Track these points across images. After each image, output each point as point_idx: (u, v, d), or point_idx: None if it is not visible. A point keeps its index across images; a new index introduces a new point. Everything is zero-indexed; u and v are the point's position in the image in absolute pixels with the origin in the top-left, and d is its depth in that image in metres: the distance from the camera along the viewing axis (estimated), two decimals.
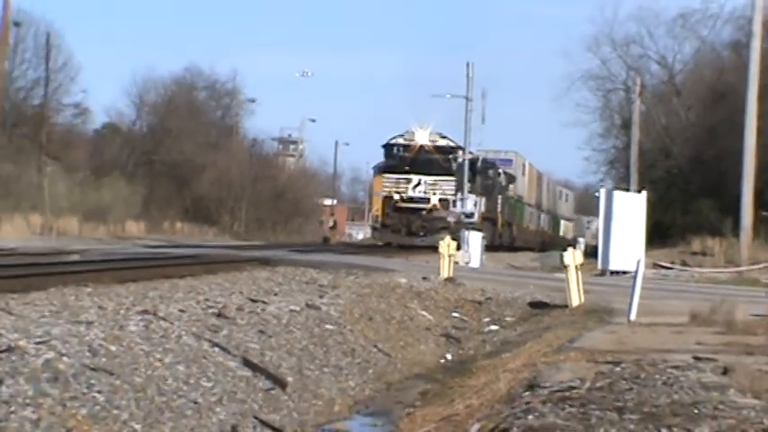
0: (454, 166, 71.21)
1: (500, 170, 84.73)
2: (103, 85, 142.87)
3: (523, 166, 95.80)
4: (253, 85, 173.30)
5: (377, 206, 71.94)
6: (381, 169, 73.10)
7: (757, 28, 56.40)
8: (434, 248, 58.34)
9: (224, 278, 33.57)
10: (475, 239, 56.69)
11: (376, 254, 53.86)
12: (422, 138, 70.55)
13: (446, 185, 69.80)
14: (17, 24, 72.99)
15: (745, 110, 56.05)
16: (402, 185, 69.52)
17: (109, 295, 24.45)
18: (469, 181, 72.35)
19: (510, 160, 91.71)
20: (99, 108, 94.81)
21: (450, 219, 69.84)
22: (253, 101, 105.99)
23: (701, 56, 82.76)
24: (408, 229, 68.13)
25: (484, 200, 77.27)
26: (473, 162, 74.33)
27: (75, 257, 38.44)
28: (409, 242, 66.41)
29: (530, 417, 15.74)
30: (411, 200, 69.10)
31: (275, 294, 29.63)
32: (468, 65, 77.69)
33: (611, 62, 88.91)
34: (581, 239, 70.58)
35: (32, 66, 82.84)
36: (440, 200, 68.93)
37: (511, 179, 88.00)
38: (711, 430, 14.14)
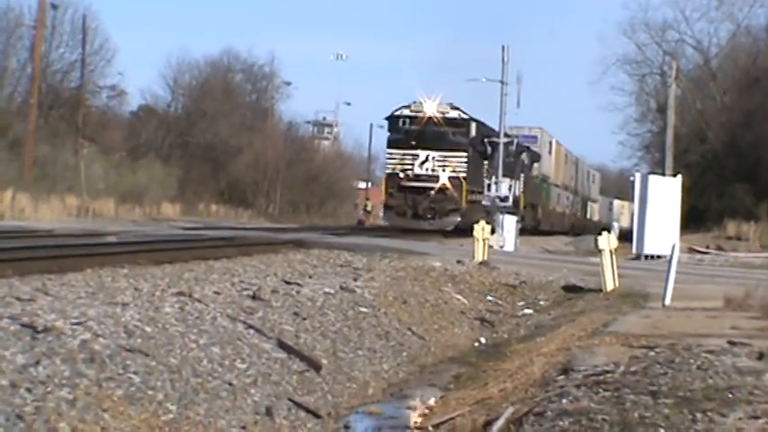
0: (467, 141, 65.00)
1: (522, 147, 79.44)
2: (140, 68, 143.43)
3: (550, 144, 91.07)
4: (289, 69, 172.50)
5: (383, 187, 66.09)
6: (388, 145, 66.84)
7: None
8: (444, 232, 58.15)
9: (259, 260, 33.57)
10: (509, 223, 55.73)
11: (410, 237, 52.67)
12: (430, 109, 63.63)
13: (457, 162, 63.34)
14: (54, 7, 73.17)
15: None
16: (408, 162, 63.23)
17: (144, 277, 24.50)
18: (483, 158, 68.52)
19: (534, 137, 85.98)
20: (135, 90, 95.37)
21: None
22: (289, 84, 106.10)
23: (736, 40, 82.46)
24: (414, 212, 62.01)
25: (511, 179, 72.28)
26: (487, 135, 69.36)
27: (112, 239, 38.50)
28: (416, 225, 60.81)
29: (564, 400, 15.73)
30: (418, 178, 62.66)
31: (310, 277, 29.65)
32: (503, 48, 76.60)
33: (647, 47, 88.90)
34: (615, 224, 68.59)
35: (69, 48, 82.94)
36: (450, 178, 62.40)
37: (535, 157, 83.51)
38: (746, 415, 14.11)
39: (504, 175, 69.38)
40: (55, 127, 75.66)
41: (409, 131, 63.30)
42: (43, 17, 70.93)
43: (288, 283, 27.03)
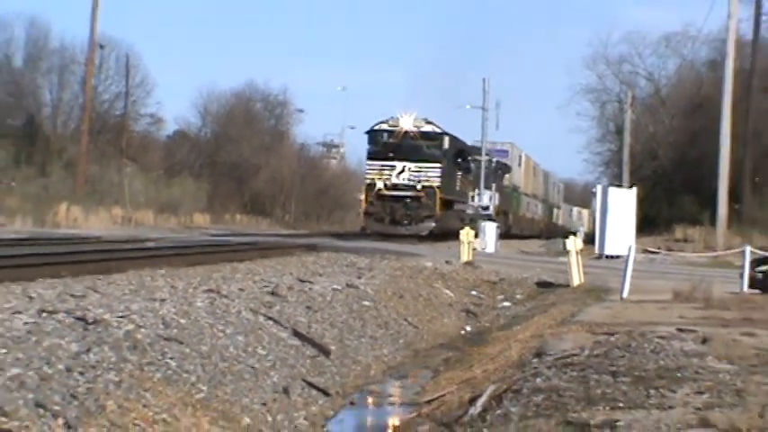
0: (441, 153, 61.22)
1: (493, 160, 77.10)
2: (175, 98, 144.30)
3: (519, 157, 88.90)
4: (301, 98, 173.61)
5: (362, 196, 62.42)
6: (367, 157, 63.56)
7: (731, 48, 56.20)
8: (419, 237, 56.17)
9: (276, 262, 33.58)
10: (490, 228, 55.04)
11: (406, 242, 52.46)
12: (406, 123, 60.83)
13: (431, 172, 59.94)
14: (102, 47, 73.17)
15: (721, 118, 55.98)
16: (386, 172, 60.00)
17: (179, 276, 24.52)
18: (456, 168, 65.95)
19: (506, 151, 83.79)
20: (170, 117, 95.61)
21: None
22: (301, 111, 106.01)
23: (682, 72, 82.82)
24: (392, 218, 59.02)
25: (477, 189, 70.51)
26: (461, 149, 67.16)
27: (151, 244, 38.54)
28: (393, 231, 57.68)
29: (537, 380, 15.74)
30: (395, 187, 59.64)
31: (320, 275, 29.66)
32: (484, 80, 76.92)
33: (606, 78, 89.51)
34: (581, 228, 68.21)
35: (114, 82, 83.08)
36: (424, 187, 59.20)
37: (506, 169, 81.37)
38: (692, 390, 14.11)
39: (472, 183, 68.61)
40: (102, 149, 75.78)
41: (387, 144, 61.08)
42: (93, 56, 70.93)
43: (301, 281, 27.07)
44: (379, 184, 59.26)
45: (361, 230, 58.66)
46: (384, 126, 61.70)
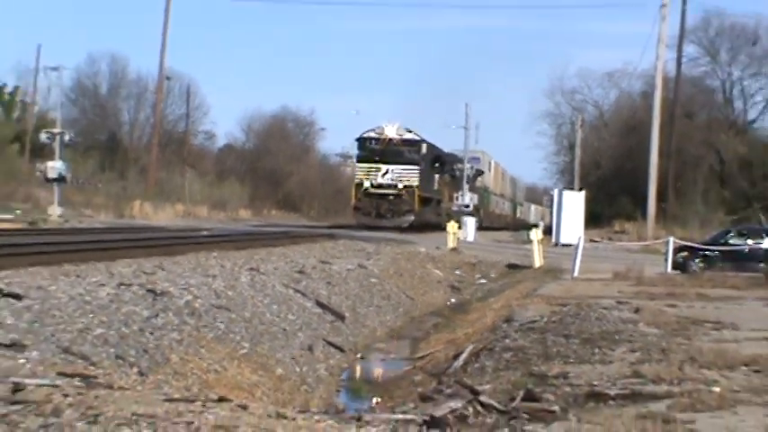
0: (419, 157, 58.35)
1: (472, 167, 73.89)
2: (225, 118, 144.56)
3: (489, 163, 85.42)
4: (324, 118, 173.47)
5: (353, 193, 59.85)
6: (357, 159, 61.17)
7: (658, 83, 56.26)
8: (400, 229, 53.74)
9: (303, 247, 33.56)
10: (470, 222, 54.55)
11: (405, 232, 52.16)
12: (390, 132, 58.14)
13: (411, 174, 56.99)
14: (168, 78, 73.19)
15: (650, 137, 56.06)
16: (372, 174, 57.25)
17: (227, 257, 24.52)
18: (436, 172, 63.37)
19: (478, 158, 79.61)
20: (221, 133, 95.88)
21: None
22: (323, 129, 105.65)
23: (620, 101, 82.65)
24: (377, 212, 56.32)
25: (456, 189, 67.63)
26: (438, 155, 64.19)
27: (205, 233, 38.51)
28: (378, 223, 54.88)
29: (506, 340, 15.74)
30: (380, 186, 56.79)
31: (337, 258, 29.65)
32: (466, 105, 76.67)
33: (561, 105, 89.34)
34: (541, 222, 67.72)
35: (178, 105, 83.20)
36: (405, 186, 56.52)
37: (478, 173, 77.60)
38: (627, 349, 14.12)
39: (447, 184, 66.53)
40: (168, 158, 75.86)
41: (373, 150, 58.17)
42: (161, 86, 70.99)
43: (323, 262, 27.07)
44: (367, 184, 57.10)
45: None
46: (371, 134, 59.20)
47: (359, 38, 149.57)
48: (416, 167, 57.24)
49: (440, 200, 63.73)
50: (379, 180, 56.62)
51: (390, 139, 57.71)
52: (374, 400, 14.03)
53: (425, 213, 58.23)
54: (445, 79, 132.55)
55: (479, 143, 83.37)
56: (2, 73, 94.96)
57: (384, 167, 56.63)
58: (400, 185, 56.37)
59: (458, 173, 68.34)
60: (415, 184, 56.77)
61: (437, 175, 63.26)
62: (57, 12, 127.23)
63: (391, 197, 56.36)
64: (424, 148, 59.04)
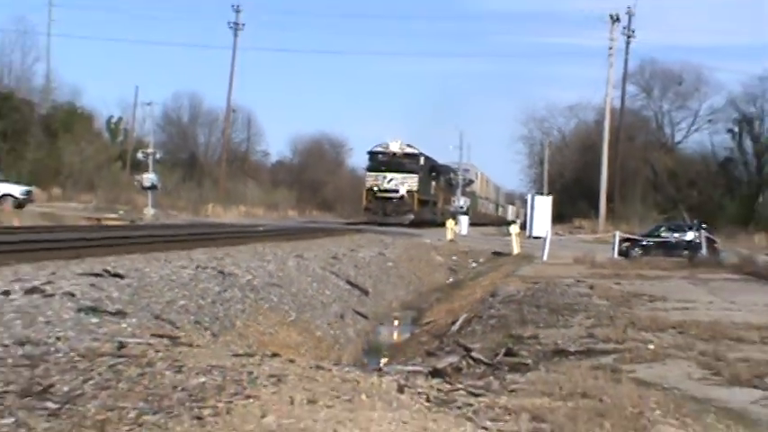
0: (417, 167, 56.56)
1: (459, 174, 70.90)
2: (276, 140, 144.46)
3: (477, 173, 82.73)
4: (353, 139, 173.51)
5: (363, 196, 57.69)
6: (367, 169, 58.29)
7: (607, 114, 56.39)
8: (403, 225, 51.85)
9: (336, 239, 33.56)
10: (464, 220, 53.55)
11: (415, 228, 51.99)
12: (394, 147, 56.56)
13: (411, 181, 55.16)
14: (234, 111, 73.61)
15: (601, 155, 56.10)
16: (379, 181, 55.20)
17: (278, 247, 24.54)
18: (432, 179, 61.17)
19: (468, 170, 76.62)
20: (274, 151, 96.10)
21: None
22: (351, 148, 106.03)
23: (579, 127, 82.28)
24: (383, 212, 54.21)
25: (450, 194, 65.77)
26: (434, 165, 62.27)
27: (261, 228, 38.53)
28: (384, 220, 52.48)
29: (491, 310, 15.72)
30: (386, 191, 54.92)
31: (362, 247, 29.62)
32: (460, 133, 76.68)
33: (534, 130, 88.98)
34: (518, 220, 67.42)
35: (241, 131, 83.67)
36: (406, 191, 54.77)
37: (469, 182, 74.45)
38: (584, 317, 14.08)
39: (444, 191, 64.83)
40: (234, 172, 75.93)
41: (381, 161, 56.31)
42: (228, 116, 71.34)
43: (351, 250, 27.05)
44: (375, 189, 55.46)
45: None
46: (379, 148, 57.38)
47: (377, 78, 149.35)
48: (415, 175, 55.83)
49: (435, 202, 62.26)
50: (385, 186, 55.18)
51: (394, 153, 56.30)
52: (391, 356, 14.04)
53: (423, 213, 56.81)
54: (446, 108, 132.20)
55: (470, 158, 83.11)
56: (110, 107, 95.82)
57: (389, 175, 55.23)
58: (402, 190, 54.98)
59: (453, 181, 66.94)
60: (415, 189, 55.41)
61: (433, 182, 61.72)
62: (151, 60, 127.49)
63: (395, 199, 54.91)
64: (422, 159, 57.58)
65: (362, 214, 56.36)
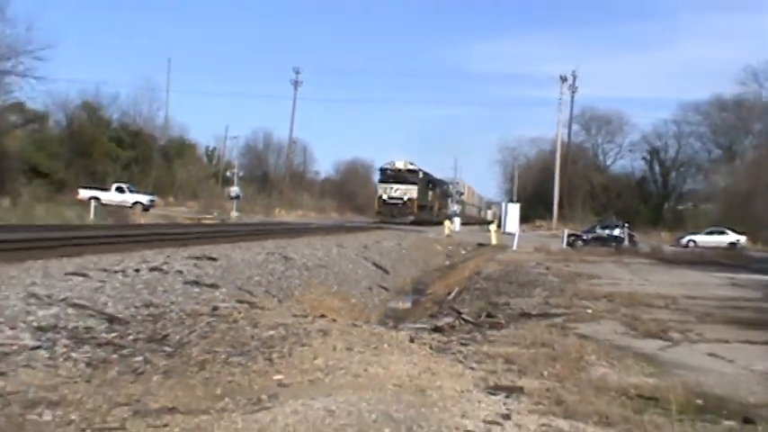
0: (417, 180, 53.20)
1: (452, 186, 68.93)
2: (325, 163, 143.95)
3: (465, 186, 79.55)
4: (378, 161, 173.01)
5: (376, 202, 54.70)
6: (378, 181, 54.44)
7: (558, 146, 56.01)
8: (405, 224, 48.99)
9: (366, 233, 33.42)
10: (457, 220, 51.79)
11: (419, 226, 51.43)
12: (399, 164, 53.02)
13: (412, 190, 52.02)
14: (294, 142, 73.77)
15: (555, 174, 55.69)
16: (388, 190, 52.13)
17: (325, 239, 24.54)
18: (429, 190, 57.30)
19: (458, 183, 74.55)
20: (323, 171, 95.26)
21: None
22: (377, 169, 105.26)
23: (539, 154, 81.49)
24: (391, 214, 50.99)
25: (443, 201, 62.73)
26: (431, 179, 58.63)
27: (313, 226, 38.54)
28: (391, 221, 49.13)
29: (476, 284, 15.66)
30: (392, 198, 51.96)
31: (384, 240, 29.50)
32: (455, 159, 76.70)
33: (507, 156, 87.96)
34: (495, 220, 66.63)
35: (299, 156, 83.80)
36: (408, 198, 51.84)
37: (460, 193, 73.16)
38: (542, 290, 14.00)
39: (440, 198, 62.05)
40: (294, 185, 75.83)
41: (389, 175, 52.96)
42: (290, 145, 71.37)
43: (377, 241, 26.92)
44: (384, 197, 52.42)
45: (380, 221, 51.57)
46: (387, 165, 53.96)
47: (396, 117, 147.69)
48: (415, 186, 53.16)
49: (432, 207, 59.44)
50: (392, 194, 52.45)
51: (399, 169, 53.42)
52: (404, 317, 14.01)
53: (421, 215, 54.07)
54: (446, 139, 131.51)
55: (461, 176, 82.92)
56: (207, 139, 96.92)
57: (395, 186, 52.53)
58: (405, 198, 52.37)
59: (447, 191, 65.18)
60: (414, 197, 52.78)
61: (430, 192, 58.93)
62: (237, 106, 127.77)
63: (399, 205, 52.21)
64: (420, 174, 54.98)
65: (375, 216, 54.11)
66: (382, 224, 48.44)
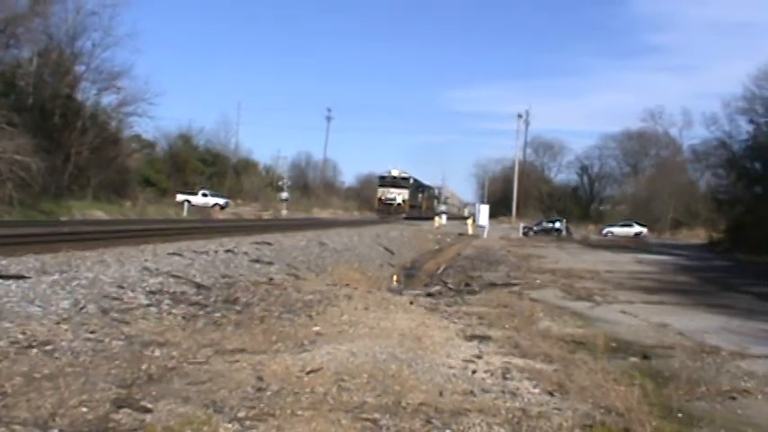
0: (408, 185, 49.76)
1: (438, 191, 65.92)
2: (348, 176, 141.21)
3: (450, 192, 78.12)
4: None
5: (375, 202, 51.16)
6: (378, 186, 50.81)
7: (516, 164, 55.53)
8: (398, 220, 45.75)
9: (378, 226, 33.10)
10: (444, 216, 49.69)
11: (413, 221, 50.01)
12: (394, 172, 49.90)
13: (404, 193, 48.68)
14: (326, 160, 73.34)
15: (514, 185, 55.18)
16: (385, 193, 49.02)
17: (348, 230, 24.41)
18: (419, 193, 54.00)
19: (441, 187, 71.84)
20: (347, 180, 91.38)
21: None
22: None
23: (504, 171, 79.79)
24: (387, 212, 47.58)
25: (430, 202, 59.49)
26: (419, 184, 55.06)
27: (341, 221, 38.21)
28: (387, 218, 45.06)
29: (458, 263, 15.59)
30: (388, 199, 48.80)
31: (391, 231, 29.23)
32: (442, 173, 75.63)
33: (480, 171, 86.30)
34: (471, 216, 65.76)
35: (330, 170, 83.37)
36: (402, 200, 48.51)
37: (446, 197, 71.33)
38: (505, 266, 13.92)
39: (428, 200, 59.28)
40: (327, 192, 75.25)
41: (386, 181, 49.98)
42: (324, 163, 71.07)
43: (386, 232, 26.69)
44: (382, 197, 49.74)
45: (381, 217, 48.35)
46: (385, 174, 51.30)
47: (400, 142, 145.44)
48: (407, 190, 50.34)
49: (420, 207, 56.18)
50: (387, 196, 49.80)
51: (394, 176, 50.79)
52: (405, 286, 13.97)
53: (412, 213, 51.08)
54: (438, 156, 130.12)
55: (447, 184, 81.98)
56: (265, 158, 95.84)
57: (390, 190, 49.81)
58: (398, 199, 49.61)
59: (434, 195, 62.96)
60: (406, 198, 50.00)
61: (419, 194, 56.12)
62: (286, 135, 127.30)
63: (393, 205, 49.45)
64: (411, 180, 52.02)
65: (376, 213, 50.92)
66: (384, 220, 46.21)
